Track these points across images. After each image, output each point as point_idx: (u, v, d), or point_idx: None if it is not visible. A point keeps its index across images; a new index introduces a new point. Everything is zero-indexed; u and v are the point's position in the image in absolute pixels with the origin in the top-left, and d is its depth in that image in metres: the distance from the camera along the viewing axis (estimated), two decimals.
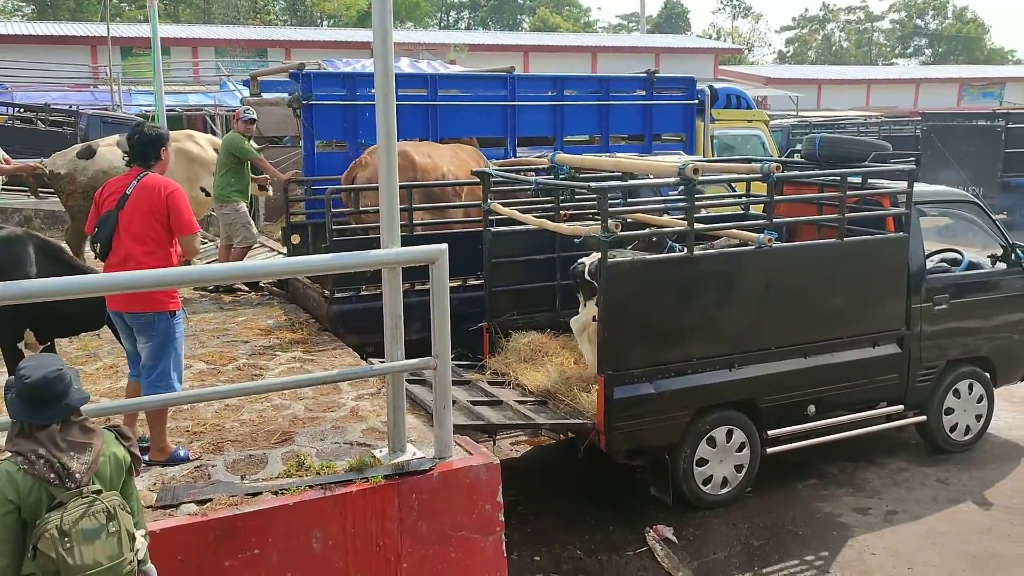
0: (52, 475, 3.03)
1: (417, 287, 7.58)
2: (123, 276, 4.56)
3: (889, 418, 7.05)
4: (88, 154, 9.92)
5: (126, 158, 5.13)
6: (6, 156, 9.55)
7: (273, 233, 11.25)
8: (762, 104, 37.20)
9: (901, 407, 6.98)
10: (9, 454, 3.11)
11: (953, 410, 7.18)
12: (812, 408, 6.57)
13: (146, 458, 4.95)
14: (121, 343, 5.31)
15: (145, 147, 5.00)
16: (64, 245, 5.45)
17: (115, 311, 5.00)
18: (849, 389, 6.68)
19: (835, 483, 6.78)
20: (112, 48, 27.27)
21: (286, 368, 6.83)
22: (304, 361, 6.99)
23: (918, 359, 6.89)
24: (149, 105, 23.12)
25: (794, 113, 32.59)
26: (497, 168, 7.25)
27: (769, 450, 6.45)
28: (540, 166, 8.07)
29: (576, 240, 6.14)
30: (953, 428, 7.21)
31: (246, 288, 9.40)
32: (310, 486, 4.68)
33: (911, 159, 6.97)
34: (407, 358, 4.92)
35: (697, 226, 5.97)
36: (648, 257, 6.01)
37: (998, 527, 6.04)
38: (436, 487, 4.88)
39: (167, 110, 24.81)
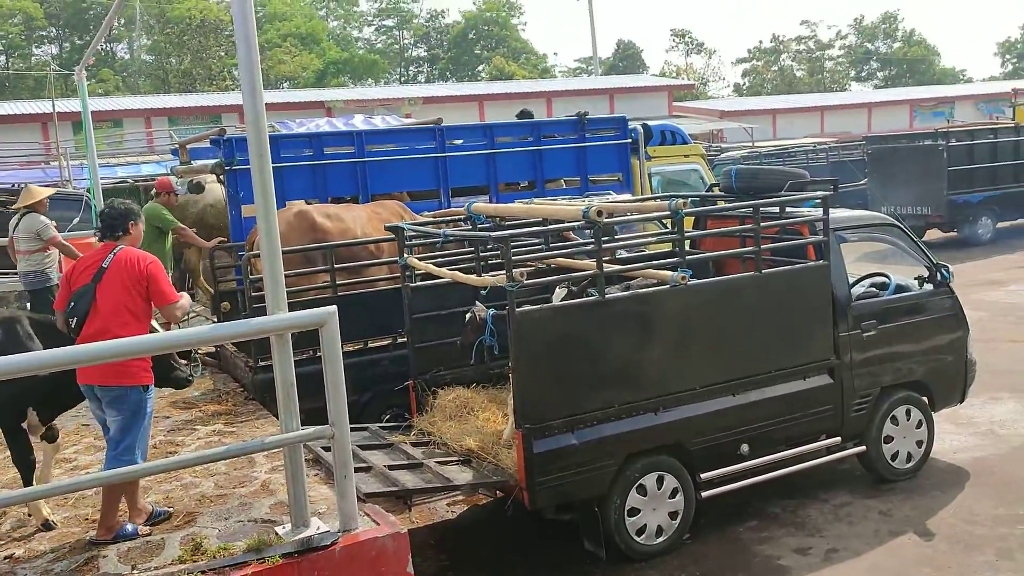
0: None
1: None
2: (88, 348, 4.52)
3: (828, 451, 6.89)
4: (198, 189, 10.78)
5: None
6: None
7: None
8: (718, 137, 37.67)
9: (839, 439, 6.82)
10: None
11: (893, 438, 7.01)
12: (746, 447, 6.39)
13: (92, 535, 4.92)
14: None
15: (115, 220, 5.17)
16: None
17: (86, 384, 4.97)
18: (783, 424, 6.51)
19: (776, 523, 6.57)
20: (62, 124, 27.17)
21: (204, 443, 6.59)
22: (224, 434, 6.75)
23: (851, 388, 6.75)
24: (102, 178, 22.97)
25: (750, 144, 32.89)
26: (408, 224, 7.11)
27: (704, 494, 6.25)
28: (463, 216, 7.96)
29: (482, 292, 5.99)
30: (894, 456, 7.04)
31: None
32: (203, 571, 4.44)
33: (828, 185, 6.87)
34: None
35: (607, 268, 5.82)
36: (557, 304, 5.86)
37: (939, 558, 5.85)
38: (339, 562, 4.63)
39: (119, 181, 24.78)
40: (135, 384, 4.92)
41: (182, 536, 4.91)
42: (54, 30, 58.73)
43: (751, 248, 6.35)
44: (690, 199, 6.48)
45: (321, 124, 13.63)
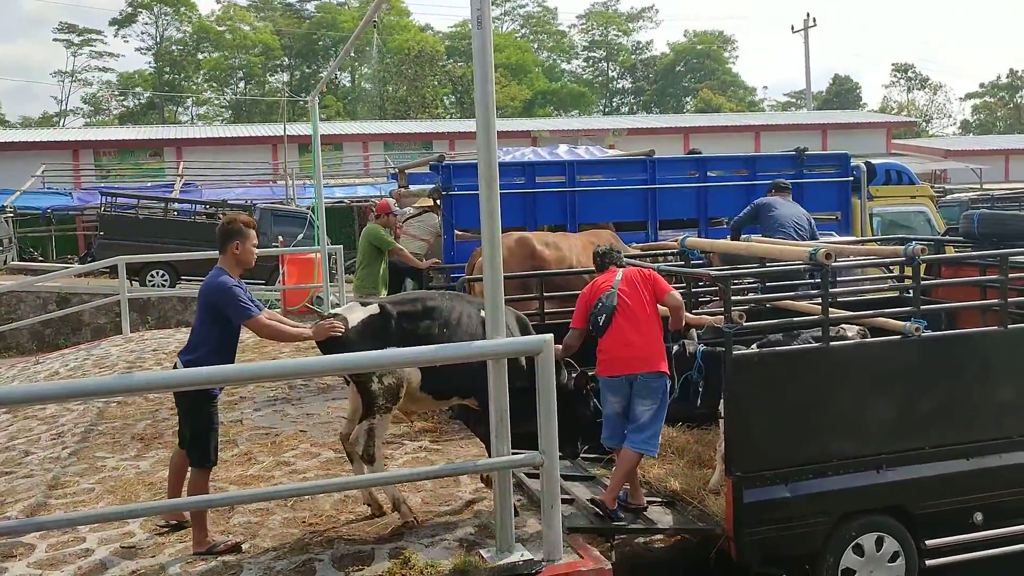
0: None
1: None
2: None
3: None
4: None
5: None
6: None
7: None
8: (941, 178, 35.30)
9: None
10: None
11: None
12: (979, 516, 5.84)
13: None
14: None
15: (613, 256, 6.10)
16: None
17: (626, 373, 5.69)
18: None
19: None
20: (291, 145, 29.30)
21: (411, 458, 6.78)
22: (430, 451, 6.92)
23: None
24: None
25: (977, 186, 30.60)
26: (624, 255, 7.04)
27: (929, 562, 5.76)
28: (675, 250, 7.83)
29: (698, 331, 5.82)
30: None
31: None
32: None
33: None
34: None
35: (833, 314, 5.52)
36: (777, 349, 5.60)
37: None
38: None
39: (337, 202, 26.37)
40: (665, 372, 5.68)
41: (391, 548, 5.05)
42: (287, 59, 63.62)
43: (997, 300, 5.83)
44: (927, 244, 6.04)
45: (527, 153, 13.92)
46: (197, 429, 5.11)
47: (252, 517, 5.63)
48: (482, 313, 5.53)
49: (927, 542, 5.73)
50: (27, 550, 5.23)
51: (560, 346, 5.89)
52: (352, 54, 51.89)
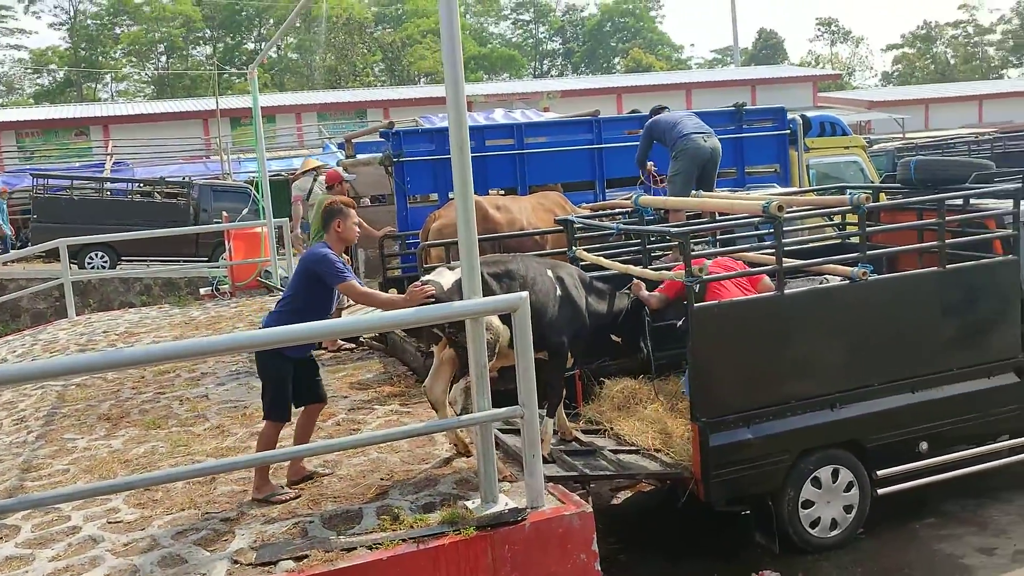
0: None
1: None
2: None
3: (1012, 452, 6.64)
4: None
5: None
6: None
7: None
8: (865, 129, 36.30)
9: None
10: None
11: None
12: (924, 445, 6.25)
13: None
14: None
15: None
16: None
17: None
18: (964, 423, 6.33)
19: (956, 522, 6.39)
20: (221, 120, 28.75)
21: (383, 422, 6.93)
22: (401, 414, 7.07)
23: None
24: (256, 172, 24.31)
25: (900, 136, 31.57)
26: (579, 216, 7.25)
27: (880, 491, 6.15)
28: (628, 209, 8.05)
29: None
30: None
31: (347, 344, 9.62)
32: (403, 540, 4.70)
33: (1018, 176, 6.61)
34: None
35: (786, 263, 5.80)
36: (735, 300, 5.88)
37: None
38: (529, 537, 4.83)
39: (273, 175, 25.99)
40: None
41: (378, 506, 5.21)
42: (208, 31, 61.94)
43: (936, 243, 6.19)
44: (868, 193, 6.36)
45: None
46: (263, 382, 5.59)
47: (235, 487, 5.74)
48: (549, 273, 5.95)
49: (878, 472, 6.12)
50: (12, 531, 5.26)
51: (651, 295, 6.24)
52: (298, 23, 50.85)
